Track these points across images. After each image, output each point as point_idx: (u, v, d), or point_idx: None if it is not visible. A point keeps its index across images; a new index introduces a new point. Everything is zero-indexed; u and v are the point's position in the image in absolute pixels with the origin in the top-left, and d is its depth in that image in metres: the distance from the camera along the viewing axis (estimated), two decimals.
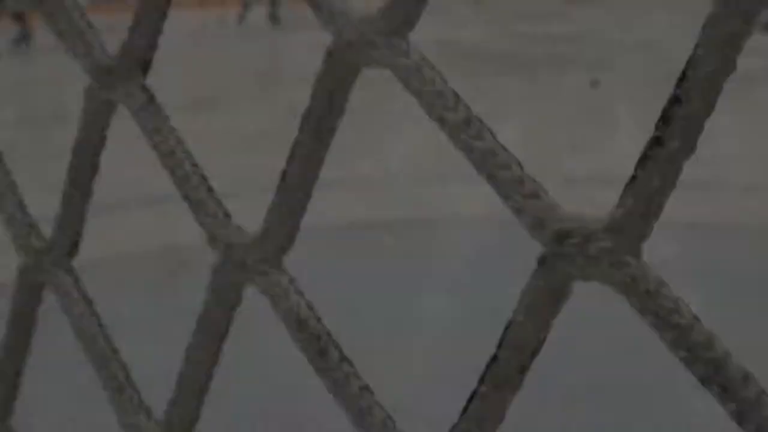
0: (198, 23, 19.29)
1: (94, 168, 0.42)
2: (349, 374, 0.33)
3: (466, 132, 0.28)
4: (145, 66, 0.40)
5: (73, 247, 0.43)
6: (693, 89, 0.24)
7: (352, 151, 6.04)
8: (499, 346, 0.28)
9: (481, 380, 0.29)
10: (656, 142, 0.25)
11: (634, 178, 0.25)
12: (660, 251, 3.60)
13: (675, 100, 0.24)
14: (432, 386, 2.81)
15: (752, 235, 4.26)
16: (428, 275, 3.72)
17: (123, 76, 0.39)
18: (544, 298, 0.27)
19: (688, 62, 0.24)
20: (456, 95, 0.29)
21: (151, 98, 0.40)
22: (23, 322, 0.46)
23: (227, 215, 0.36)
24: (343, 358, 0.33)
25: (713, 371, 0.24)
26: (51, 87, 9.01)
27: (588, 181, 5.28)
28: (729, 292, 3.46)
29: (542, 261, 0.27)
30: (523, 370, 0.28)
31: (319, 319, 0.33)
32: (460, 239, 4.35)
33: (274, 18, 16.97)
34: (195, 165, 0.38)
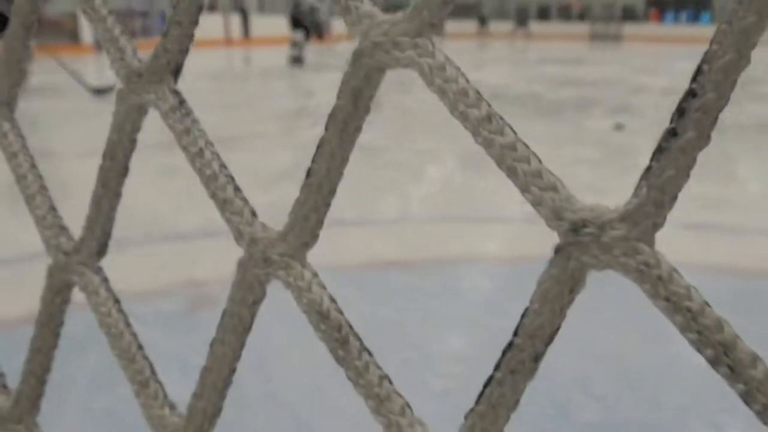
0: (222, 62, 19.46)
1: (124, 170, 0.43)
2: (369, 363, 0.34)
3: (488, 128, 0.29)
4: (177, 70, 0.41)
5: (102, 248, 0.44)
6: (708, 82, 0.25)
7: (373, 193, 6.08)
8: (515, 333, 0.29)
9: (497, 366, 0.30)
10: (671, 133, 0.26)
11: (649, 168, 0.26)
12: None
13: (690, 93, 0.25)
14: (448, 424, 2.78)
15: None
16: (447, 313, 3.72)
17: (154, 80, 0.41)
18: (560, 287, 0.28)
19: (704, 57, 0.25)
20: (478, 93, 0.30)
21: (182, 101, 0.41)
22: (51, 322, 0.47)
23: (253, 213, 0.37)
24: (364, 349, 0.34)
25: (723, 353, 0.25)
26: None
27: None
28: (758, 337, 3.42)
29: (558, 250, 0.28)
30: (537, 357, 0.29)
31: (340, 311, 0.34)
32: (476, 278, 4.34)
33: (297, 60, 17.26)
34: (223, 165, 0.39)
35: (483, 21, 34.79)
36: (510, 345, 0.29)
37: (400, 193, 6.03)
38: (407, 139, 8.11)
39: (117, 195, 0.43)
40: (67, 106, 9.86)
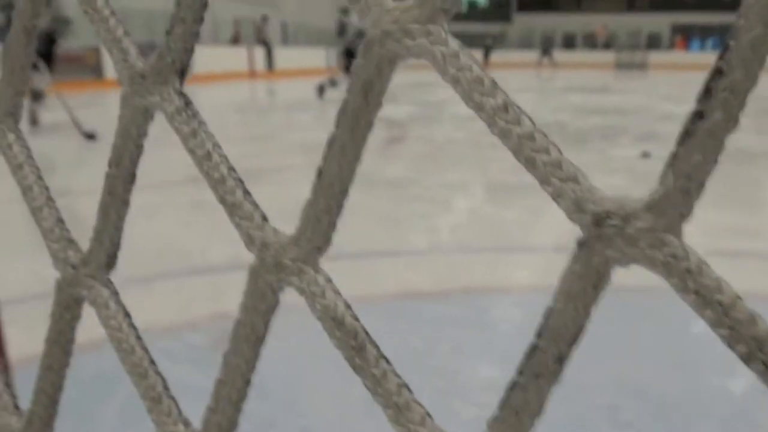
0: (247, 94, 19.57)
1: (131, 177, 0.42)
2: (386, 371, 0.32)
3: (504, 117, 0.28)
4: (182, 70, 0.40)
5: (111, 260, 0.43)
6: (735, 59, 0.23)
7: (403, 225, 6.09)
8: (538, 335, 0.28)
9: (520, 371, 0.28)
10: (697, 116, 0.24)
11: (674, 155, 0.25)
12: None
13: (717, 72, 0.24)
14: None
15: None
16: (477, 342, 3.70)
17: (158, 81, 0.40)
18: (583, 284, 0.27)
19: (730, 32, 0.23)
20: (493, 82, 0.29)
21: (187, 103, 0.40)
22: (62, 338, 0.46)
23: (264, 218, 0.36)
24: (381, 356, 0.32)
25: (757, 348, 0.23)
26: None
27: None
28: None
29: (581, 244, 0.27)
30: (561, 359, 0.27)
31: (356, 318, 0.33)
32: (506, 307, 4.33)
33: (320, 90, 17.04)
34: (231, 168, 0.38)
35: (487, 51, 34.88)
36: (532, 347, 0.28)
37: (429, 225, 6.03)
38: (435, 172, 8.10)
39: (125, 203, 0.42)
40: (86, 142, 9.94)
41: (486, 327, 3.96)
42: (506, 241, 5.49)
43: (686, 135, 0.25)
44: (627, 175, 7.73)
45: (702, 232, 5.70)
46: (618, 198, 0.26)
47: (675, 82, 20.31)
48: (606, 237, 0.26)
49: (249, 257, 0.41)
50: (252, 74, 26.81)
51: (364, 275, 4.68)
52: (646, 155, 9.24)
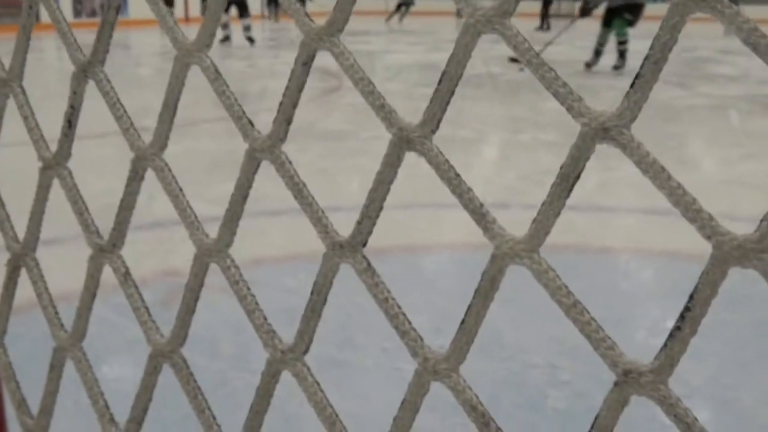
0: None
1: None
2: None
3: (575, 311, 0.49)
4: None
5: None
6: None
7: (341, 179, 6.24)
8: None
9: None
10: (677, 326, 0.46)
11: (671, 335, 0.46)
12: None
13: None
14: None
15: None
16: (416, 300, 3.90)
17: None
18: (614, 413, 0.49)
19: None
20: None
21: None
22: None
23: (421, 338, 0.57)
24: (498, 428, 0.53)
25: None
26: None
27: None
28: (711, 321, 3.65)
29: (617, 384, 0.48)
30: None
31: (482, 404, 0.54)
32: (446, 265, 4.51)
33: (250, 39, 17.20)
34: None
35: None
36: None
37: (366, 180, 6.20)
38: (371, 124, 8.21)
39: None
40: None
41: (425, 284, 4.13)
42: (442, 197, 5.65)
43: (674, 331, 0.46)
44: (558, 130, 7.93)
45: (634, 192, 5.97)
46: (633, 361, 0.48)
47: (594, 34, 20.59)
48: (630, 381, 0.48)
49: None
50: (187, 20, 26.50)
51: (303, 232, 4.82)
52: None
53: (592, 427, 0.50)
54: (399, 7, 30.72)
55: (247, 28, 17.11)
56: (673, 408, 0.47)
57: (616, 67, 12.59)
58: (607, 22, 12.89)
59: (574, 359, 3.20)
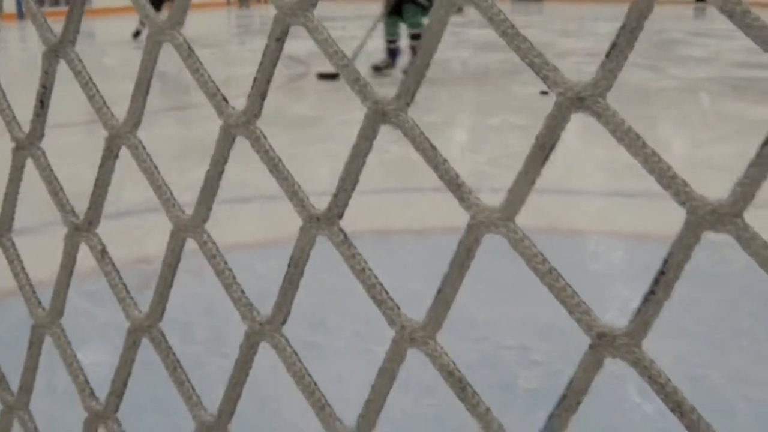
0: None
1: None
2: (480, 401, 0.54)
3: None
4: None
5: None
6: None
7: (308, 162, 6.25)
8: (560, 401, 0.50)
9: None
10: (651, 291, 0.47)
11: (646, 298, 0.47)
12: None
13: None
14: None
15: None
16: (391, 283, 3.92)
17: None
18: (590, 373, 0.50)
19: None
20: None
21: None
22: None
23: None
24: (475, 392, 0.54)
25: (678, 407, 0.46)
26: None
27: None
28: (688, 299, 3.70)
29: (591, 347, 0.49)
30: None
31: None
32: (418, 249, 4.53)
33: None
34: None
35: None
36: (563, 397, 0.51)
37: (336, 166, 6.20)
38: (339, 110, 8.19)
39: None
40: None
41: (398, 269, 4.15)
42: (415, 182, 5.67)
43: (648, 295, 0.47)
44: (529, 114, 7.95)
45: (603, 174, 6.01)
46: (608, 325, 0.49)
47: (572, 16, 20.68)
48: (604, 345, 0.49)
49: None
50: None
51: (274, 217, 4.83)
52: (545, 93, 9.51)
53: (566, 389, 0.51)
54: None
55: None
56: (647, 370, 0.48)
57: (377, 68, 10.19)
58: (396, 9, 10.10)
59: (545, 340, 3.23)
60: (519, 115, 8.07)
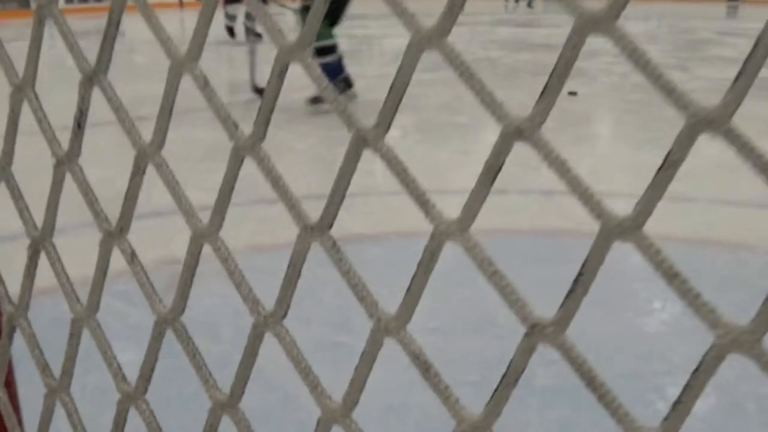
0: (176, 26, 19.44)
1: None
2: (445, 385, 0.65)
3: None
4: None
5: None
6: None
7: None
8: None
9: None
10: (571, 289, 0.57)
11: (570, 291, 0.58)
12: None
13: None
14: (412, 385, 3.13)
15: None
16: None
17: None
18: (525, 357, 0.60)
19: None
20: None
21: None
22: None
23: None
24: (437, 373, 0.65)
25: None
26: None
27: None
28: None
29: (526, 335, 0.60)
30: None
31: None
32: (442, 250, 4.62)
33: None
34: None
35: None
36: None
37: (362, 167, 6.31)
38: (368, 110, 8.31)
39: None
40: None
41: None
42: (439, 183, 5.76)
43: (571, 291, 0.58)
44: (556, 114, 8.03)
45: (631, 175, 6.08)
46: (540, 317, 0.59)
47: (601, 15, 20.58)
48: (536, 332, 0.59)
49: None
50: (181, 5, 26.58)
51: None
52: (573, 93, 9.57)
53: (507, 369, 0.61)
54: None
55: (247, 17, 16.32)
56: (568, 352, 0.58)
57: (315, 101, 8.61)
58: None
59: None
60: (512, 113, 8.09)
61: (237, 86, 10.77)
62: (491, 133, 7.91)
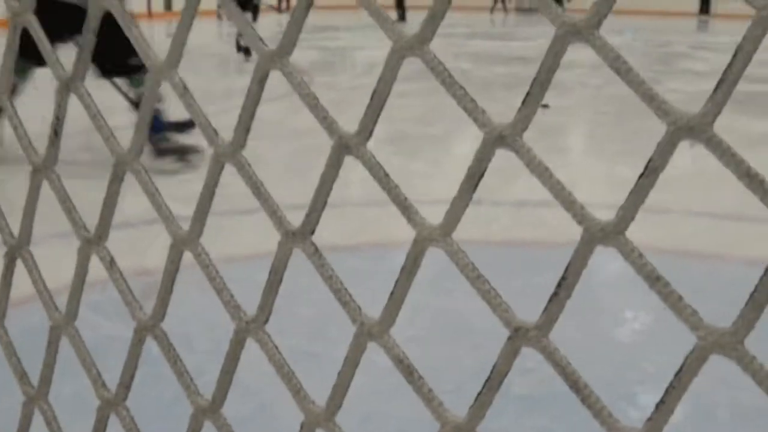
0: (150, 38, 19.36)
1: None
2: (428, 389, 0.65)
3: None
4: None
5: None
6: None
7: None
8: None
9: None
10: (555, 292, 0.58)
11: (553, 295, 0.58)
12: None
13: None
14: (393, 397, 3.12)
15: None
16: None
17: None
18: (509, 361, 0.61)
19: None
20: None
21: None
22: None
23: None
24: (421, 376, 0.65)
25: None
26: None
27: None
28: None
29: (509, 338, 0.60)
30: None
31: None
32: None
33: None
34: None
35: None
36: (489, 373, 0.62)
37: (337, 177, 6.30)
38: (342, 121, 8.27)
39: None
40: None
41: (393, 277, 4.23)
42: (413, 194, 5.70)
43: (554, 294, 0.58)
44: (530, 127, 8.04)
45: (609, 187, 6.11)
46: (523, 321, 0.60)
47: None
48: (520, 337, 0.60)
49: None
50: (149, 15, 26.45)
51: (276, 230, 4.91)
52: (545, 106, 9.59)
53: (491, 372, 0.62)
54: None
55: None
56: (552, 356, 0.59)
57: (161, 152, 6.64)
58: None
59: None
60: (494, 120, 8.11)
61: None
62: (464, 144, 7.94)
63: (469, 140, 8.07)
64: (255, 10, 15.30)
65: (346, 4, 30.67)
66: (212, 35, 18.23)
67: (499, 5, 34.97)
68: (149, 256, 4.30)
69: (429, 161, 7.01)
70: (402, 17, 27.95)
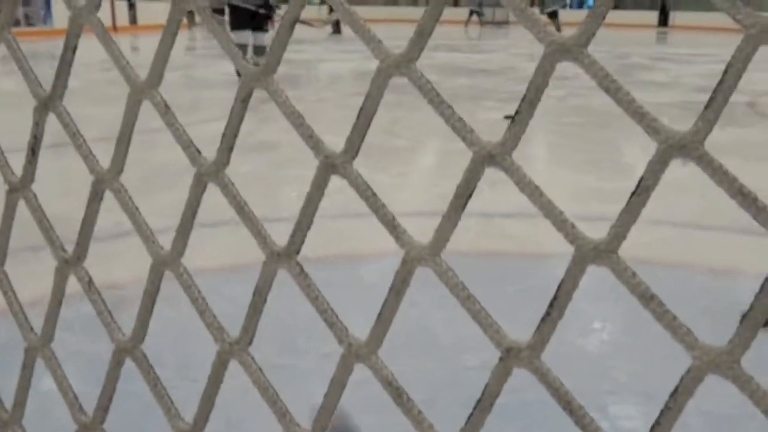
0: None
1: None
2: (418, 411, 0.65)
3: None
4: None
5: None
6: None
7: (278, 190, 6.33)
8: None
9: None
10: (547, 312, 0.58)
11: (544, 317, 0.58)
12: None
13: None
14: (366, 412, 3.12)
15: None
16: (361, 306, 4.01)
17: None
18: (500, 381, 0.60)
19: None
20: None
21: None
22: None
23: None
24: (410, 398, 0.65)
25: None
26: None
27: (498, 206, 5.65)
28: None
29: (501, 359, 0.60)
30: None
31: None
32: (388, 272, 4.63)
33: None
34: None
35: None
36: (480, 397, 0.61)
37: (306, 190, 6.30)
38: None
39: None
40: None
41: (368, 292, 4.25)
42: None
43: (546, 314, 0.58)
44: (493, 138, 8.08)
45: (570, 198, 6.15)
46: (514, 341, 0.59)
47: (535, 40, 20.89)
48: (512, 358, 0.59)
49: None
50: (114, 29, 26.36)
51: (247, 242, 4.89)
52: (508, 118, 9.63)
53: (482, 394, 0.61)
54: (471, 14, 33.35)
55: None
56: (544, 377, 0.58)
57: None
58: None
59: None
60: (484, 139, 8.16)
61: None
62: (430, 156, 7.97)
63: (434, 152, 8.11)
64: (266, 22, 14.22)
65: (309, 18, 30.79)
66: (179, 47, 18.12)
67: (474, 18, 35.66)
68: (116, 270, 4.27)
69: (395, 173, 7.03)
70: (337, 30, 28.33)
